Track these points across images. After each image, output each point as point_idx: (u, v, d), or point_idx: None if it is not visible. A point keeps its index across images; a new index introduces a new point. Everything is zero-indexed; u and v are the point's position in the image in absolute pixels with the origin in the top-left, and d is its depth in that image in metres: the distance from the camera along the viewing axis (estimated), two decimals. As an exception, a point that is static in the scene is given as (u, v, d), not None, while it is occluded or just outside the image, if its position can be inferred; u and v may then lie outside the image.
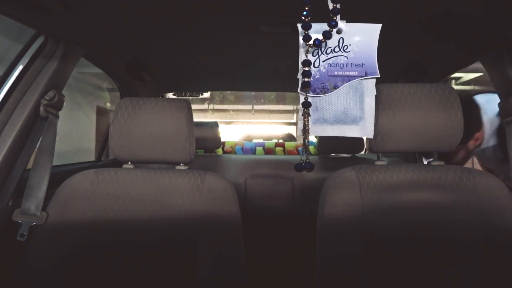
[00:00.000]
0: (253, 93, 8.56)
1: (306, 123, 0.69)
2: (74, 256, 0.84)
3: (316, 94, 0.70)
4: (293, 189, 1.74)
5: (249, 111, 9.73)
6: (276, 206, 1.73)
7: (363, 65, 0.69)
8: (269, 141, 2.32)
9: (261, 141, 2.94)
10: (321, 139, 1.85)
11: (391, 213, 0.85)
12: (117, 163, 1.00)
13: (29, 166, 0.96)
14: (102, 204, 0.87)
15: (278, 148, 2.20)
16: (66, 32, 0.97)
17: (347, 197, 0.85)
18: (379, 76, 0.69)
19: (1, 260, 0.89)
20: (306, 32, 0.65)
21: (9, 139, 0.91)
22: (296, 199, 1.71)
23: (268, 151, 2.20)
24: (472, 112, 1.92)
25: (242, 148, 2.21)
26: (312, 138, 2.19)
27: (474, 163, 1.90)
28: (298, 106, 0.70)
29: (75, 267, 0.84)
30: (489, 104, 1.90)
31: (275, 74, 1.73)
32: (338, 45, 0.68)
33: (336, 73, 0.69)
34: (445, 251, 0.83)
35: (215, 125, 1.89)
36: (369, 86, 0.71)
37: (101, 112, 4.74)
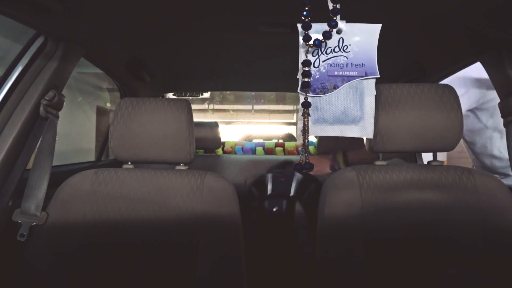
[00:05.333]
0: (253, 93, 8.55)
1: (306, 123, 0.69)
2: (74, 256, 0.84)
3: (316, 94, 0.70)
4: None
5: (249, 111, 9.73)
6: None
7: (363, 65, 0.69)
8: (269, 141, 2.33)
9: (261, 141, 2.95)
10: (321, 139, 1.85)
11: (391, 213, 0.85)
12: (117, 163, 1.00)
13: (29, 166, 0.96)
14: (102, 204, 0.87)
15: (278, 148, 2.20)
16: (66, 32, 0.97)
17: (347, 197, 0.85)
18: (379, 76, 0.69)
19: (1, 260, 0.89)
20: (306, 32, 0.65)
21: (9, 139, 0.91)
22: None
23: (268, 151, 2.20)
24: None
25: (242, 148, 2.21)
26: (312, 138, 2.19)
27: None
28: (298, 106, 0.70)
29: (75, 267, 0.83)
30: None
31: (275, 74, 1.73)
32: (338, 45, 0.68)
33: (336, 73, 0.69)
34: (445, 251, 0.83)
35: (215, 125, 1.89)
36: (369, 86, 0.71)
37: (101, 112, 4.75)
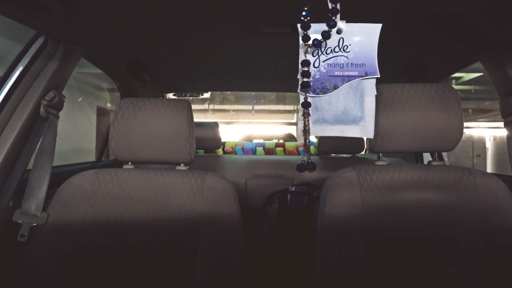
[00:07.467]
0: (253, 93, 8.56)
1: (306, 123, 0.69)
2: (74, 256, 0.84)
3: (316, 94, 0.70)
4: None
5: (249, 111, 9.73)
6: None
7: (363, 65, 0.69)
8: (270, 141, 2.32)
9: (261, 141, 2.94)
10: (321, 139, 1.85)
11: (391, 213, 0.85)
12: (118, 164, 1.00)
13: (30, 166, 0.96)
14: (103, 204, 0.87)
15: (278, 148, 2.19)
16: (66, 32, 0.97)
17: (347, 197, 0.85)
18: (379, 76, 0.69)
19: (2, 260, 0.89)
20: (305, 32, 0.65)
21: (9, 140, 0.91)
22: None
23: (268, 151, 2.20)
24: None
25: (242, 148, 2.20)
26: (312, 138, 2.19)
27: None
28: (299, 106, 0.70)
29: (76, 267, 0.84)
30: None
31: (275, 74, 1.73)
32: (338, 45, 0.68)
33: (336, 73, 0.69)
34: (446, 251, 0.83)
35: (215, 125, 1.89)
36: (369, 86, 0.71)
37: (101, 113, 4.75)
